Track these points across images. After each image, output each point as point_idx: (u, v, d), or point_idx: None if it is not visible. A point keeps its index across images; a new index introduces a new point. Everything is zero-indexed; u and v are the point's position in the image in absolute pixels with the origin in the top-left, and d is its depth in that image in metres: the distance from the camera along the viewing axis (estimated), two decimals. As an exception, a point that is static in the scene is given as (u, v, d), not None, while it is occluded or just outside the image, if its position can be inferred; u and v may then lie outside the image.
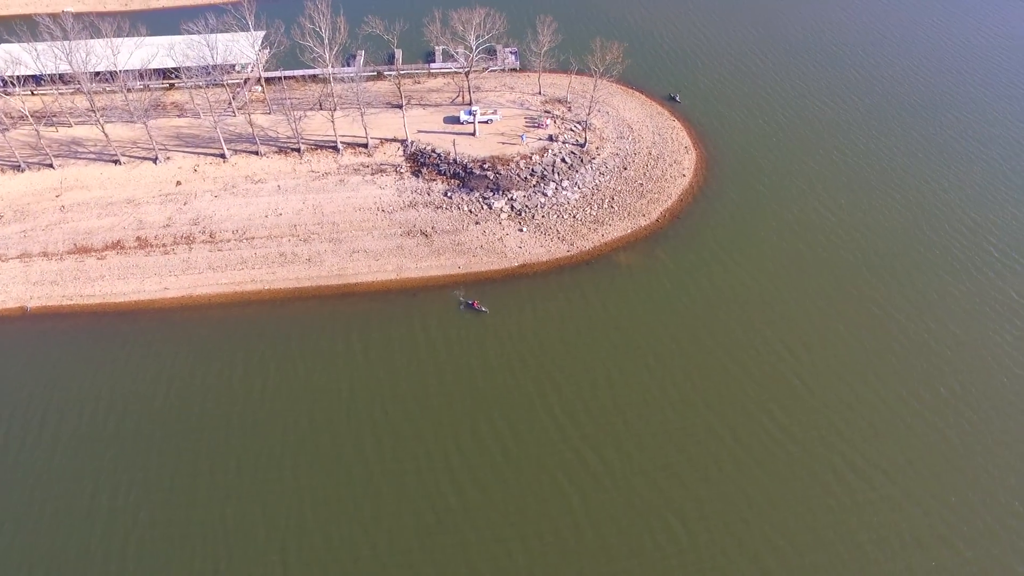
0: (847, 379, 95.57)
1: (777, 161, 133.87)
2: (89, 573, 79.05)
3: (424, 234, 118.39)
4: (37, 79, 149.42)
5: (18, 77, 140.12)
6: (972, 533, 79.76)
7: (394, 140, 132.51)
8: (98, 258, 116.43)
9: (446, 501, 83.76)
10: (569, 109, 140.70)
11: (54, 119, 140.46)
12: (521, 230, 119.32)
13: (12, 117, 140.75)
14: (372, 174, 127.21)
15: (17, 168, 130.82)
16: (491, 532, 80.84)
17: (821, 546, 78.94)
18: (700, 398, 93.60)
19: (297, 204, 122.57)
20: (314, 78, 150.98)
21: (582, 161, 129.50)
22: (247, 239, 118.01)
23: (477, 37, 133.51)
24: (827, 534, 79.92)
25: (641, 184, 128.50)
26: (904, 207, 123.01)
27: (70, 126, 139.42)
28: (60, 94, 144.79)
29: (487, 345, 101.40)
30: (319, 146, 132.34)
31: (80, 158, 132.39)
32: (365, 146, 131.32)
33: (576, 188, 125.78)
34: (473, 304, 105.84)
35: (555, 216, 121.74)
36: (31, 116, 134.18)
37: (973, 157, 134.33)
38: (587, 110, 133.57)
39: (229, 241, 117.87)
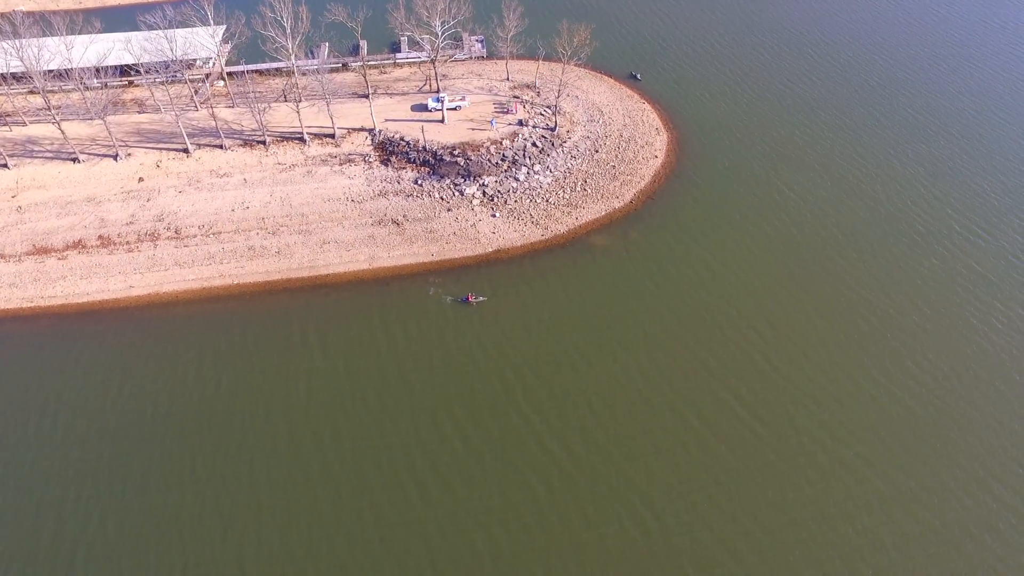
0: (814, 357, 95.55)
1: (746, 141, 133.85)
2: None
3: (396, 223, 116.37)
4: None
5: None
6: (941, 504, 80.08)
7: (362, 130, 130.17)
8: (59, 258, 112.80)
9: (406, 495, 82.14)
10: (538, 94, 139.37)
11: (7, 118, 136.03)
12: (494, 215, 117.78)
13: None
14: (340, 164, 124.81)
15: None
16: (453, 526, 79.33)
17: (790, 524, 78.75)
18: (666, 381, 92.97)
19: (264, 197, 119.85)
20: (278, 71, 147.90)
21: (553, 145, 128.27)
22: (214, 234, 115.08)
23: (442, 23, 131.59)
24: (796, 512, 79.79)
25: (613, 166, 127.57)
26: (868, 184, 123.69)
27: (24, 124, 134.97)
28: (13, 93, 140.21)
29: (462, 333, 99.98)
30: (285, 138, 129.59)
31: (36, 157, 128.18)
32: (332, 136, 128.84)
33: (548, 172, 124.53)
34: (468, 299, 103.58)
35: (528, 201, 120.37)
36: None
37: (933, 133, 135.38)
38: (556, 94, 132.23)
39: (195, 236, 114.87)
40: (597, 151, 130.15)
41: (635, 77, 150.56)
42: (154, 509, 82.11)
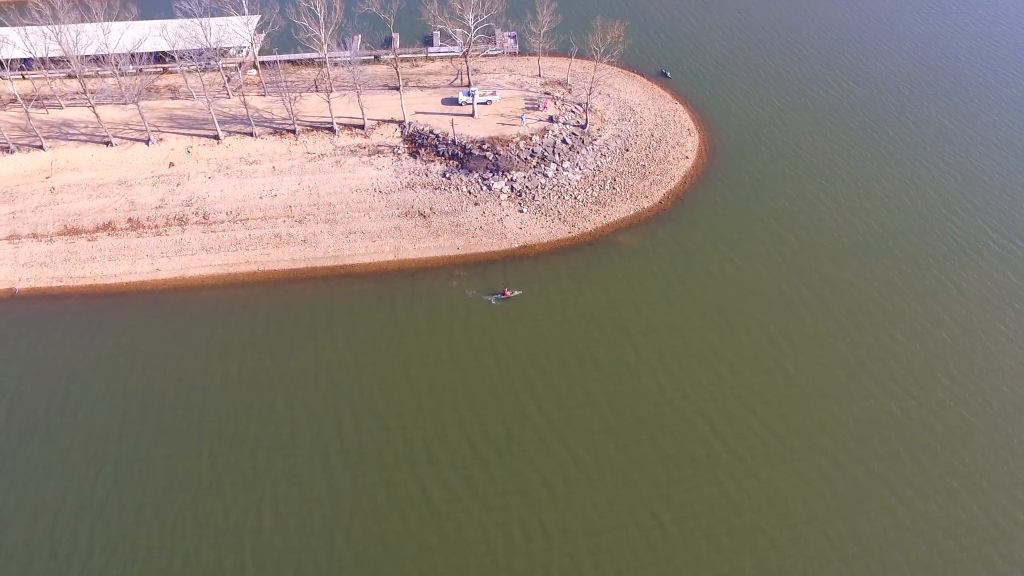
0: (835, 370, 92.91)
1: (777, 145, 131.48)
2: (58, 548, 77.61)
3: (422, 215, 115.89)
4: (28, 62, 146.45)
5: (9, 60, 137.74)
6: (964, 532, 76.90)
7: (391, 121, 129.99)
8: (89, 240, 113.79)
9: (408, 492, 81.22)
10: (569, 91, 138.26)
11: (45, 101, 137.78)
12: (521, 211, 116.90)
13: (2, 100, 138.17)
14: (369, 155, 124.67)
15: (7, 150, 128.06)
16: (454, 526, 78.19)
17: (799, 541, 76.26)
18: (680, 387, 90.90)
19: (292, 185, 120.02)
20: (310, 61, 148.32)
21: (583, 142, 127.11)
22: (241, 220, 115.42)
23: (475, 17, 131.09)
24: (806, 530, 77.17)
25: (643, 166, 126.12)
26: (900, 193, 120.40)
27: (61, 108, 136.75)
28: (51, 77, 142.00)
29: (480, 328, 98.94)
30: (315, 127, 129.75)
31: (71, 140, 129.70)
32: (362, 127, 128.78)
33: (577, 169, 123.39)
34: (504, 294, 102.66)
35: (556, 197, 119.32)
36: (21, 99, 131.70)
37: (969, 142, 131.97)
38: (588, 91, 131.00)
39: (223, 222, 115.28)
40: (627, 150, 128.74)
41: (665, 75, 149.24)
42: (159, 490, 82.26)
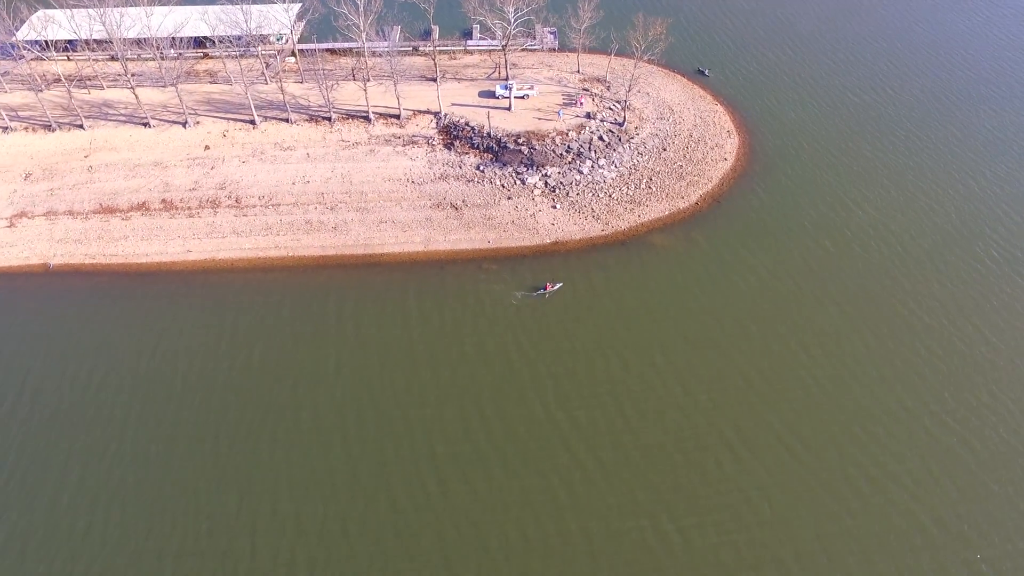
0: (864, 381, 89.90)
1: (817, 150, 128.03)
2: (75, 525, 78.12)
3: (454, 207, 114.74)
4: (72, 43, 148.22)
5: (55, 41, 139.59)
6: (994, 552, 73.70)
7: (427, 112, 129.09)
8: (123, 218, 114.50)
9: (424, 484, 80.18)
10: (608, 88, 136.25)
11: (87, 82, 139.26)
12: (555, 207, 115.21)
13: (47, 79, 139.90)
14: (403, 145, 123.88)
15: (48, 128, 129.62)
16: (468, 520, 76.91)
17: (823, 554, 73.60)
18: (704, 391, 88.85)
19: (326, 172, 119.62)
20: (349, 51, 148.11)
21: (620, 140, 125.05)
22: (273, 205, 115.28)
23: (516, 11, 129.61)
24: (832, 545, 74.52)
25: (681, 166, 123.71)
26: (940, 204, 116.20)
27: (102, 88, 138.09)
28: (95, 60, 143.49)
29: (504, 323, 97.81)
30: (350, 115, 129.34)
31: (110, 120, 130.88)
32: (397, 117, 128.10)
33: (613, 167, 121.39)
34: (546, 288, 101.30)
35: (590, 194, 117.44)
36: (64, 79, 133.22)
37: (1016, 153, 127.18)
38: (627, 88, 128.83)
39: (255, 207, 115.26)
40: (665, 149, 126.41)
41: (703, 73, 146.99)
42: (175, 471, 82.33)
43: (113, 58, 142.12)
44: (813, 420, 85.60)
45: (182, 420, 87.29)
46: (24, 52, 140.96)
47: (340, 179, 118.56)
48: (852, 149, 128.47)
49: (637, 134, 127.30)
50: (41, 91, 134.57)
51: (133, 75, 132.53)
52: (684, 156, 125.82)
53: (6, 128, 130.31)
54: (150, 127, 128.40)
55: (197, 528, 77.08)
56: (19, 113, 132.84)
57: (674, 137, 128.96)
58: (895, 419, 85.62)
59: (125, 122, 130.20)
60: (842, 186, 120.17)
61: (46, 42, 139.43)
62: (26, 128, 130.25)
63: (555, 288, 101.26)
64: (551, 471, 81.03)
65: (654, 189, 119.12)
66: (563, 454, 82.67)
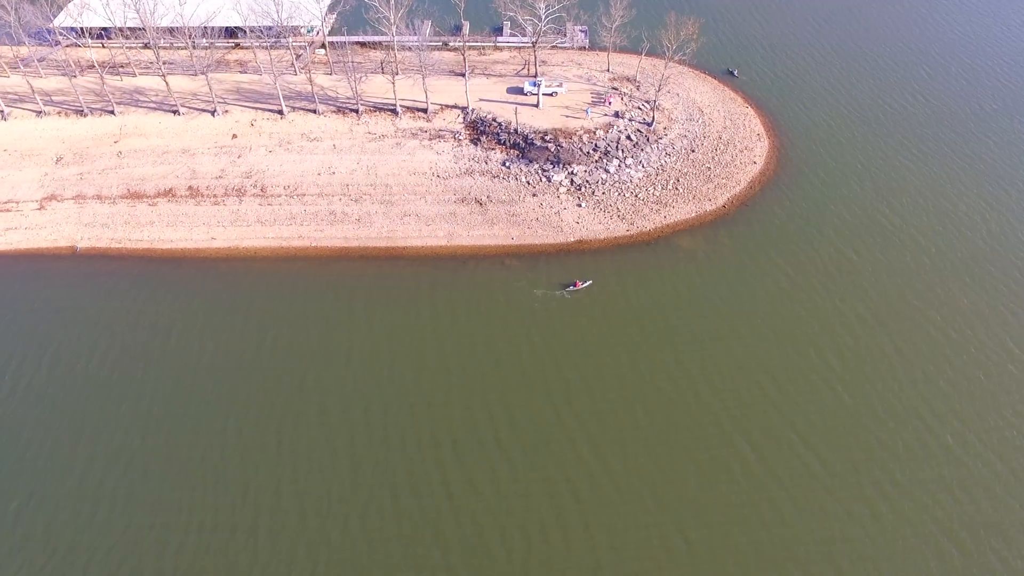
0: (890, 393, 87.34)
1: (849, 156, 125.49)
2: (83, 500, 79.04)
3: (479, 202, 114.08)
4: (107, 31, 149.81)
5: (90, 28, 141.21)
6: None
7: (455, 107, 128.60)
8: (149, 204, 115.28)
9: (429, 483, 79.30)
10: (637, 88, 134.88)
11: (120, 69, 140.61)
12: (580, 205, 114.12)
13: (80, 65, 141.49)
14: (430, 139, 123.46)
15: (80, 113, 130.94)
16: (471, 522, 75.89)
17: (836, 568, 71.60)
18: (720, 399, 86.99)
19: (351, 164, 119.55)
20: (378, 44, 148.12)
21: (648, 140, 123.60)
22: (298, 195, 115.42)
23: (547, 7, 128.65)
24: (846, 557, 72.38)
25: (709, 168, 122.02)
26: (975, 216, 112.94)
27: (134, 75, 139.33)
28: (128, 48, 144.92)
29: (524, 319, 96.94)
30: (378, 108, 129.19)
31: (141, 106, 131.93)
32: (425, 111, 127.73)
33: (640, 167, 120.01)
34: (575, 285, 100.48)
35: (616, 194, 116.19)
36: (98, 65, 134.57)
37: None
38: (656, 88, 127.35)
39: (280, 196, 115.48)
40: (693, 151, 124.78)
41: (732, 73, 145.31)
42: (184, 454, 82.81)
43: (146, 46, 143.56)
44: (830, 430, 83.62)
45: (193, 404, 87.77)
46: (60, 38, 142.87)
47: (365, 171, 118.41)
48: (883, 156, 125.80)
49: (666, 134, 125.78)
50: (75, 77, 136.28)
51: (165, 63, 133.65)
52: (712, 158, 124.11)
53: (40, 112, 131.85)
54: (179, 115, 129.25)
55: (203, 512, 77.33)
56: (53, 98, 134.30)
57: (703, 139, 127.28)
58: (915, 434, 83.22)
59: (155, 109, 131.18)
60: (871, 194, 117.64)
61: (81, 29, 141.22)
62: (59, 112, 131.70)
63: (584, 285, 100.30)
64: (558, 471, 79.94)
65: (681, 190, 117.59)
66: (572, 454, 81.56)
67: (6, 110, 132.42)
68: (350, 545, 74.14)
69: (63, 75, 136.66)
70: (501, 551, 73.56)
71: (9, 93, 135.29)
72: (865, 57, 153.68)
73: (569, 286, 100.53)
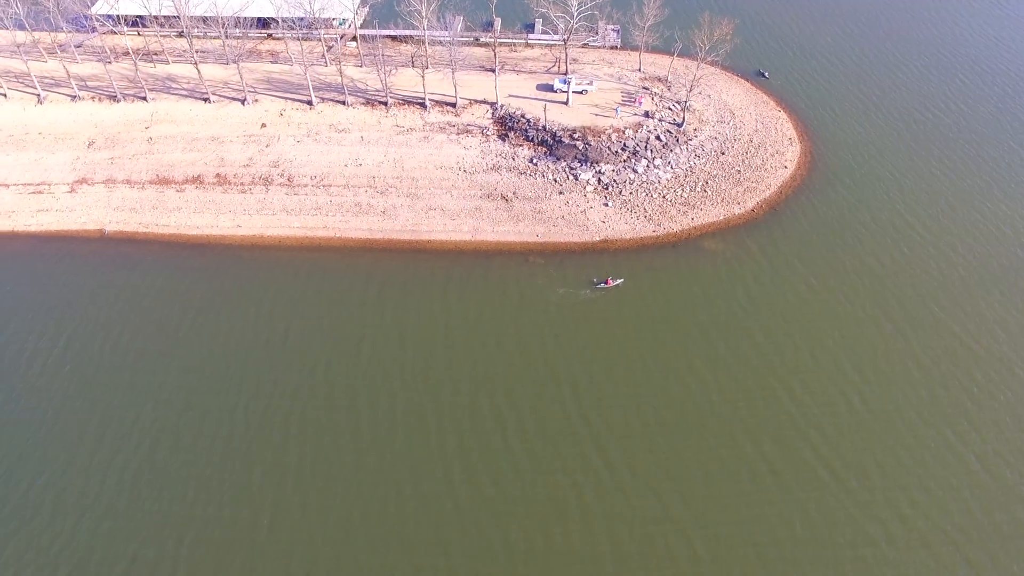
0: (909, 407, 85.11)
1: (884, 164, 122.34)
2: (89, 478, 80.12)
3: (504, 198, 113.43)
4: (143, 19, 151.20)
5: (126, 16, 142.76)
6: None
7: (483, 102, 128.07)
8: (177, 190, 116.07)
9: (432, 478, 78.86)
10: (668, 88, 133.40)
11: (154, 56, 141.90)
12: (606, 204, 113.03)
13: (115, 52, 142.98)
14: (458, 134, 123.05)
15: (114, 98, 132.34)
16: (472, 519, 75.19)
17: None
18: (732, 406, 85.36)
19: (378, 156, 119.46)
20: (409, 38, 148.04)
21: (678, 141, 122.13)
22: (324, 186, 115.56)
23: (579, 4, 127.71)
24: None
25: (739, 171, 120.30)
26: (1009, 228, 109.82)
27: (167, 63, 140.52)
28: (163, 36, 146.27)
29: (537, 318, 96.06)
30: (407, 101, 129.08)
31: (172, 93, 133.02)
32: (453, 105, 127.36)
33: (669, 168, 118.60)
34: (607, 282, 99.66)
35: (643, 194, 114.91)
36: (132, 52, 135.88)
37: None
38: (688, 88, 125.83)
39: (306, 186, 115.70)
40: (723, 153, 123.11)
41: (762, 75, 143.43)
42: (192, 438, 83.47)
43: (180, 34, 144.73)
44: (844, 442, 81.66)
45: (204, 389, 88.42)
46: (97, 25, 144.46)
47: (392, 164, 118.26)
48: (915, 165, 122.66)
49: (696, 136, 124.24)
50: (110, 63, 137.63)
51: (198, 51, 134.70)
52: (743, 161, 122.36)
53: (74, 97, 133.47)
54: (210, 103, 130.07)
55: (208, 496, 77.86)
56: (88, 83, 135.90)
57: (733, 141, 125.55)
58: (934, 450, 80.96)
59: (186, 96, 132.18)
60: (900, 203, 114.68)
61: (118, 16, 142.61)
62: (93, 97, 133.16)
63: (616, 283, 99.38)
64: (563, 473, 78.92)
65: (710, 193, 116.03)
66: (577, 456, 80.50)
67: (42, 94, 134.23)
68: (350, 539, 73.92)
69: (98, 61, 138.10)
70: (502, 552, 72.78)
71: (46, 77, 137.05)
72: (900, 62, 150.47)
73: (600, 283, 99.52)
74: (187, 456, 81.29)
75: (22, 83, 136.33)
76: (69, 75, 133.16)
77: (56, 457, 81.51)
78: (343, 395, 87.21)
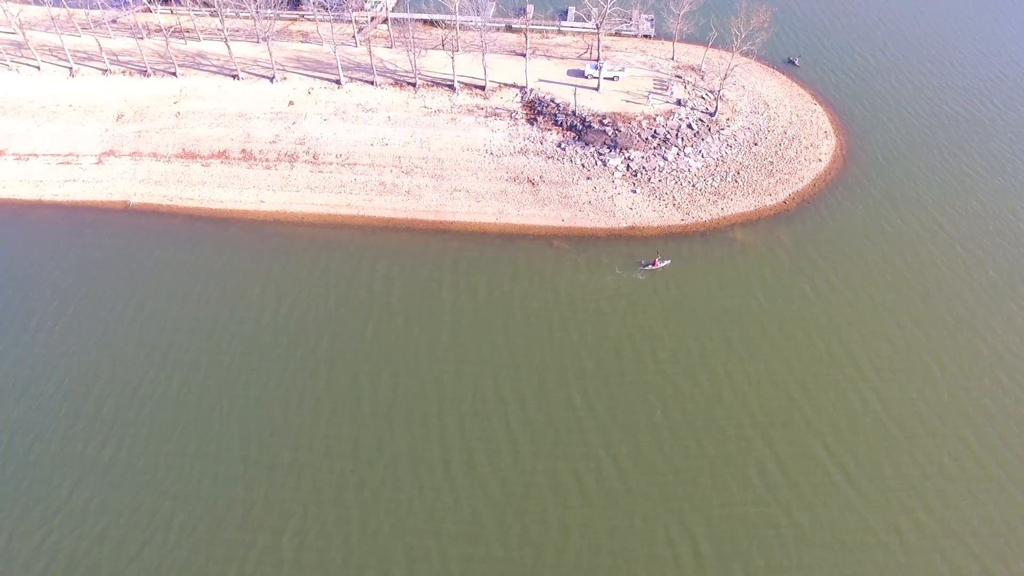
0: (931, 411, 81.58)
1: (922, 161, 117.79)
2: (90, 442, 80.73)
3: (531, 182, 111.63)
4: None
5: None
6: None
7: (513, 86, 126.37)
8: (203, 165, 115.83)
9: (430, 464, 77.10)
10: (702, 77, 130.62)
11: (185, 34, 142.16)
12: (634, 191, 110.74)
13: (148, 28, 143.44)
14: (486, 116, 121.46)
15: (144, 73, 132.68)
16: (470, 508, 73.25)
17: None
18: (743, 403, 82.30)
19: (405, 136, 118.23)
20: (440, 22, 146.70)
21: (709, 130, 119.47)
22: (349, 164, 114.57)
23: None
24: None
25: (771, 162, 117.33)
26: None
27: (198, 40, 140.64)
28: (196, 15, 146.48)
29: (547, 304, 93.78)
30: (435, 83, 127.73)
31: (202, 69, 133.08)
32: (482, 88, 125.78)
33: (700, 156, 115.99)
34: (654, 264, 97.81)
35: (673, 182, 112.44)
36: (164, 29, 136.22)
37: None
38: (722, 76, 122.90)
39: (331, 164, 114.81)
40: (756, 144, 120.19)
41: (792, 63, 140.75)
42: (190, 410, 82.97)
43: (213, 13, 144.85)
44: (860, 443, 78.48)
45: (204, 362, 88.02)
46: (131, 1, 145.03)
47: (419, 144, 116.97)
48: (950, 163, 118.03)
49: (728, 126, 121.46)
50: (142, 39, 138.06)
51: (229, 30, 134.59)
52: (776, 153, 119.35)
53: (106, 71, 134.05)
54: (239, 79, 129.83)
55: (202, 468, 77.36)
56: (119, 57, 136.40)
57: (767, 132, 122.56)
58: (954, 456, 77.46)
59: (216, 73, 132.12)
60: (938, 202, 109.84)
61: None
62: (124, 72, 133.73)
63: (663, 265, 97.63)
64: (565, 464, 76.70)
65: (741, 183, 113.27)
66: (581, 447, 78.19)
67: (75, 67, 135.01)
68: (343, 520, 72.69)
69: (131, 36, 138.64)
70: (496, 540, 70.97)
71: (79, 51, 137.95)
72: (943, 57, 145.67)
73: (648, 264, 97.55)
74: (183, 433, 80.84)
75: (56, 56, 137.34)
76: (101, 49, 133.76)
77: (73, 407, 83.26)
78: (344, 370, 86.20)
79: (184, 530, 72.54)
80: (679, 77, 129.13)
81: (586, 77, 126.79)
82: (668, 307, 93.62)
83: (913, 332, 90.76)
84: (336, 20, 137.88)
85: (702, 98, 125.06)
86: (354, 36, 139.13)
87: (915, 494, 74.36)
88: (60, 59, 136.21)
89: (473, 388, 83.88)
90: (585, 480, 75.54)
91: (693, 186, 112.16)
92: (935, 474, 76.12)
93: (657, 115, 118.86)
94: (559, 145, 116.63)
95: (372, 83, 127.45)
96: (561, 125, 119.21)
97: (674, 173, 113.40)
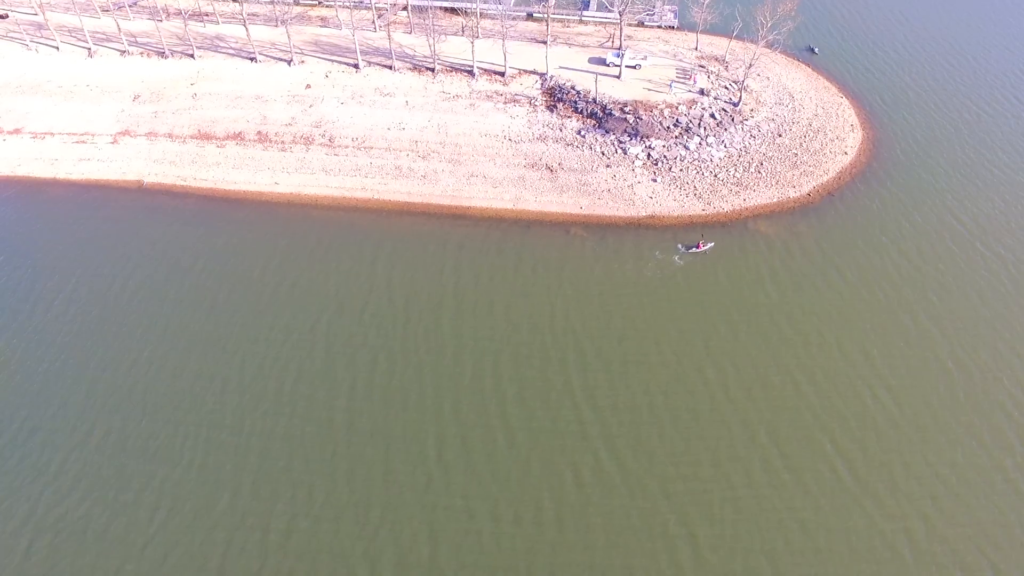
0: (944, 409, 78.61)
1: (948, 159, 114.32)
2: (81, 417, 79.92)
3: (549, 169, 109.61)
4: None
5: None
6: None
7: (533, 72, 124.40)
8: (218, 146, 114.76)
9: (424, 455, 74.89)
10: (726, 68, 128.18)
11: (205, 17, 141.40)
12: (655, 180, 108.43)
13: (168, 11, 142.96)
14: (505, 102, 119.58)
15: (162, 55, 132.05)
16: (464, 502, 70.85)
17: None
18: (750, 399, 79.43)
19: (422, 121, 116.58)
20: (462, 10, 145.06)
21: (733, 120, 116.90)
22: (365, 148, 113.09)
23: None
24: None
25: (795, 154, 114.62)
26: None
27: (216, 23, 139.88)
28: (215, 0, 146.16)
29: (550, 293, 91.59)
30: (454, 68, 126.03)
31: (220, 52, 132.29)
32: (502, 74, 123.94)
33: (722, 146, 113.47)
34: (698, 246, 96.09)
35: (694, 172, 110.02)
36: (184, 12, 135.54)
37: None
38: (747, 66, 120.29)
39: (347, 147, 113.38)
40: (780, 135, 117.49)
41: (812, 50, 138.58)
42: (186, 386, 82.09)
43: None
44: (869, 441, 75.58)
45: (201, 340, 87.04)
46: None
47: (436, 129, 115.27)
48: (976, 162, 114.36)
49: (752, 116, 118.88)
50: (160, 21, 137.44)
51: (248, 14, 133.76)
52: (800, 145, 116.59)
53: (124, 52, 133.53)
54: (256, 62, 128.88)
55: (195, 446, 76.20)
56: (138, 39, 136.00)
57: (792, 124, 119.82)
58: (969, 456, 74.47)
59: (233, 56, 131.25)
60: (954, 200, 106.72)
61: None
62: (142, 53, 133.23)
63: (707, 248, 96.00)
64: (561, 454, 74.46)
65: (764, 175, 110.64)
66: (579, 438, 75.93)
67: (93, 48, 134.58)
68: (334, 501, 71.19)
69: (151, 19, 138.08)
70: (487, 529, 68.87)
71: (98, 33, 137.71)
72: (968, 51, 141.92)
73: (691, 247, 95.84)
74: (178, 413, 79.64)
75: (75, 37, 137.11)
76: (120, 31, 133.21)
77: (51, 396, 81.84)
78: (342, 349, 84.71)
79: (176, 502, 71.68)
80: (702, 67, 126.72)
81: (607, 65, 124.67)
82: (673, 299, 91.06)
83: (929, 329, 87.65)
84: (356, 7, 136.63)
85: (726, 88, 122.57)
86: (373, 21, 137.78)
87: (928, 497, 71.30)
88: (79, 40, 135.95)
89: (473, 376, 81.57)
90: (582, 469, 73.08)
91: (715, 176, 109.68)
92: (949, 475, 73.11)
93: (679, 104, 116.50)
94: (579, 132, 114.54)
95: (390, 68, 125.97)
96: (581, 112, 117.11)
97: (696, 163, 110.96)
